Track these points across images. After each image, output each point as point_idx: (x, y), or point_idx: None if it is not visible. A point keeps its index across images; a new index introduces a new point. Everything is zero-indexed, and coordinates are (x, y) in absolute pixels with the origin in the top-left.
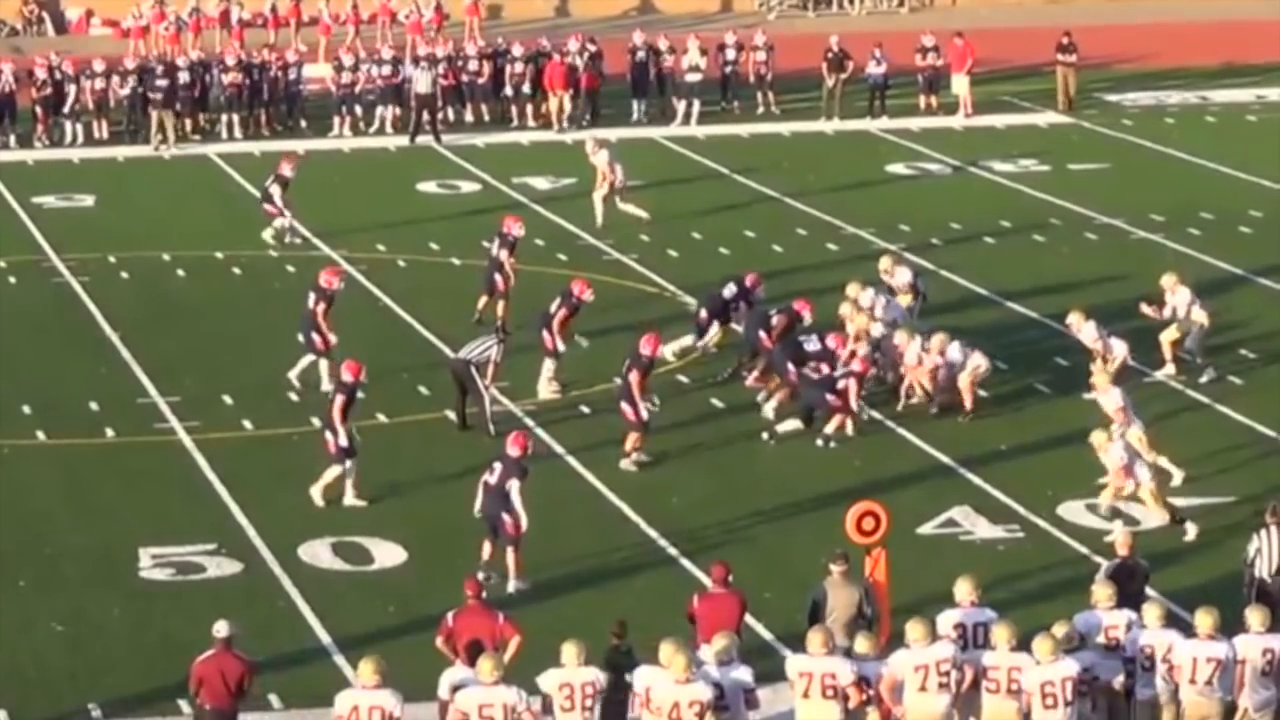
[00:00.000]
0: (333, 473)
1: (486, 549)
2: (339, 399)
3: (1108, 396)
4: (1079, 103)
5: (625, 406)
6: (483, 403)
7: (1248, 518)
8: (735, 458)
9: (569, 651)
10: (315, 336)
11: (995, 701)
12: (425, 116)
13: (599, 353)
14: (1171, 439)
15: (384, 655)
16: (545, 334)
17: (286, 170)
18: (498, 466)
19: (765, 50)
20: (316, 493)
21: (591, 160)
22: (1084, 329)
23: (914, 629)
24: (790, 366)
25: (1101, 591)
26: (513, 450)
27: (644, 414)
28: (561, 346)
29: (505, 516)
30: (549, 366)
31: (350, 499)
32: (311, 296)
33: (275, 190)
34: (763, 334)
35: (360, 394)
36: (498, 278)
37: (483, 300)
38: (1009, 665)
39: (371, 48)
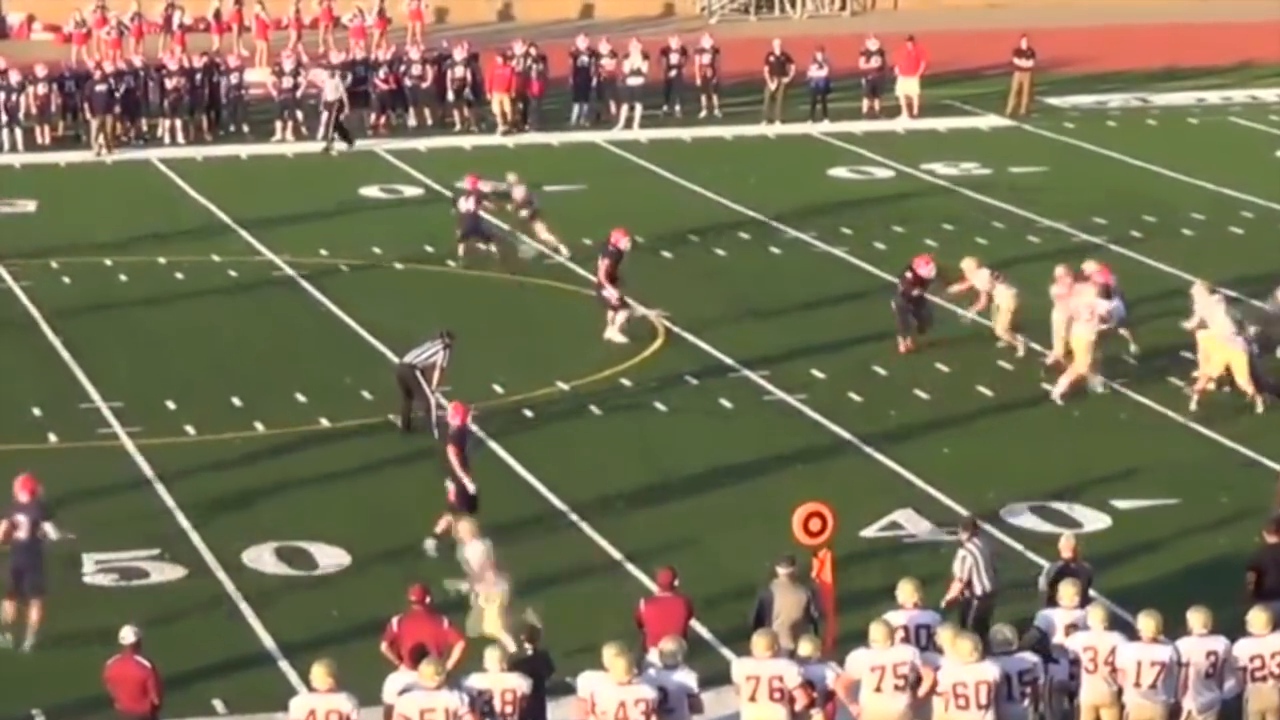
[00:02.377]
0: None
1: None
2: None
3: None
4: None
5: (448, 484)
6: (428, 407)
7: (1190, 520)
8: (681, 461)
9: (491, 657)
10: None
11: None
12: (337, 121)
13: (542, 356)
14: (1113, 441)
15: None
16: (603, 292)
17: None
18: (21, 519)
19: (711, 53)
20: None
21: None
22: (977, 275)
23: (876, 630)
24: None
25: (1066, 590)
26: (22, 495)
27: (470, 488)
28: (612, 293)
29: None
30: (620, 318)
31: None
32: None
33: None
34: None
35: None
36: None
37: (618, 316)
38: None
39: (313, 53)
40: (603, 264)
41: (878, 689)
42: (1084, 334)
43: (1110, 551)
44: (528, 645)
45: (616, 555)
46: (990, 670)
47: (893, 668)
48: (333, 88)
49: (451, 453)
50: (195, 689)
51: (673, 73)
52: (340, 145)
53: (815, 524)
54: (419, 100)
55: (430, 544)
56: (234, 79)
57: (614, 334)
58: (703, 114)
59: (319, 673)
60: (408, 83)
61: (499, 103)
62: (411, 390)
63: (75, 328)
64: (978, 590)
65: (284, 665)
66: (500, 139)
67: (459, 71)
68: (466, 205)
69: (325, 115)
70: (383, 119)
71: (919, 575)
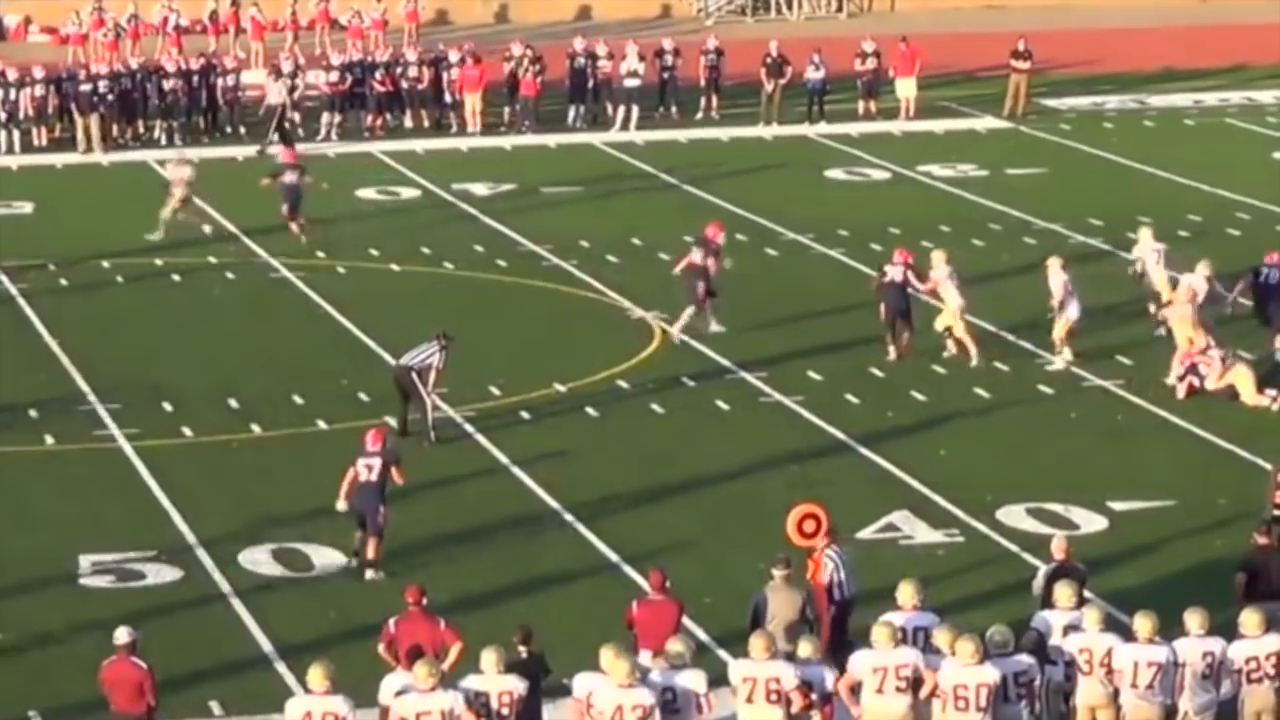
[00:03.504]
0: None
1: None
2: None
3: None
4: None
5: (381, 509)
6: (425, 409)
7: (1187, 522)
8: (677, 463)
9: (488, 659)
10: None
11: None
12: (279, 124)
13: (540, 360)
14: (1110, 443)
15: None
16: (700, 284)
17: None
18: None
19: (715, 55)
20: None
21: None
22: (939, 268)
23: (879, 631)
24: None
25: (1062, 591)
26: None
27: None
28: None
29: None
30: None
31: None
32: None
33: None
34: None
35: None
36: (700, 285)
37: (692, 309)
38: None
39: (311, 54)
40: (698, 254)
41: (879, 690)
42: (1180, 313)
43: (1107, 553)
44: (521, 647)
45: (613, 557)
46: (991, 673)
47: (895, 669)
48: (276, 91)
49: (398, 474)
50: (191, 690)
51: (666, 74)
52: (276, 149)
53: (810, 525)
54: (416, 102)
55: (370, 574)
56: (230, 81)
57: (678, 330)
58: (700, 115)
59: (316, 674)
60: (404, 84)
61: (471, 103)
62: (408, 392)
63: (72, 330)
64: (836, 595)
65: (281, 667)
66: (499, 140)
67: (454, 74)
68: (291, 179)
69: (271, 118)
70: (379, 120)
71: (915, 577)
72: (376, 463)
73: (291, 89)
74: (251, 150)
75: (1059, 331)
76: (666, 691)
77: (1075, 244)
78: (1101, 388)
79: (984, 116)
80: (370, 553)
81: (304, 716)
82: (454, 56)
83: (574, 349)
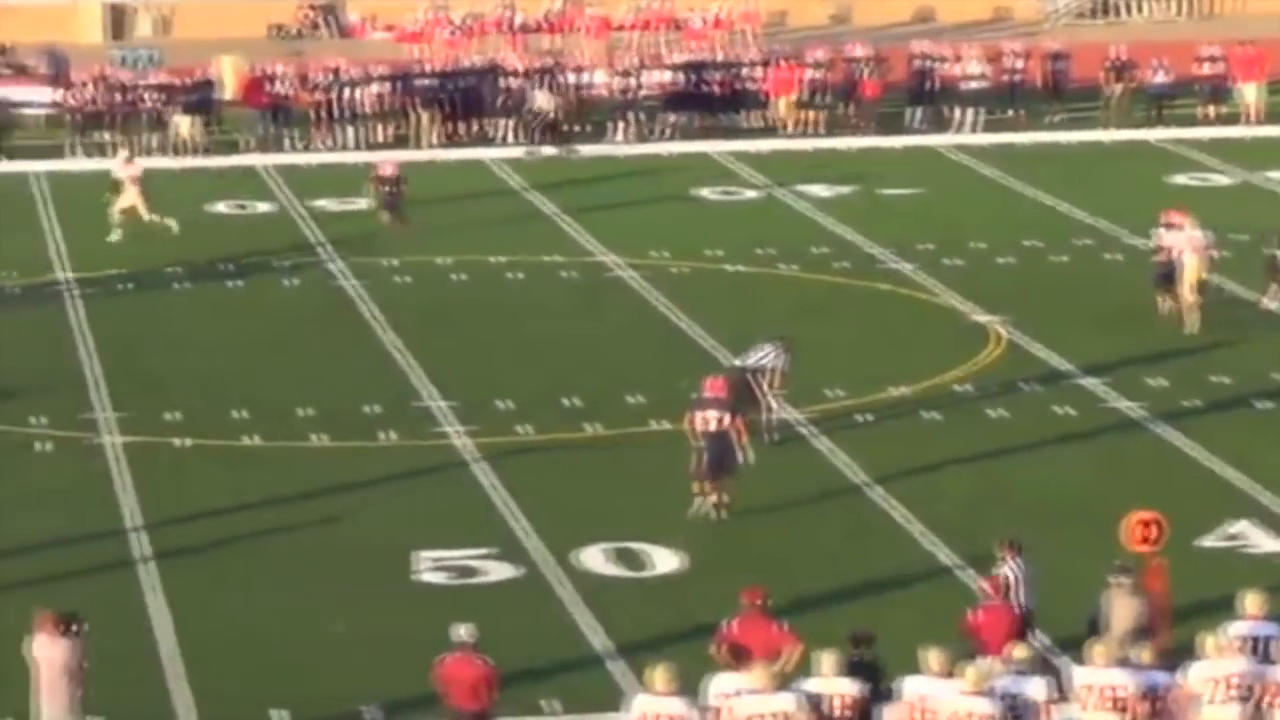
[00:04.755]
0: None
1: None
2: None
3: None
4: None
5: (736, 452)
6: (761, 410)
7: None
8: (1010, 466)
9: (827, 661)
10: None
11: None
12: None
13: (878, 363)
14: None
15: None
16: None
17: None
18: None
19: (1059, 59)
20: None
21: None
22: (1181, 233)
23: (1208, 642)
24: None
25: None
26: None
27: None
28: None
29: None
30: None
31: None
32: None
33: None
34: None
35: None
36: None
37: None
38: None
39: (652, 54)
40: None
41: (1214, 700)
42: None
43: None
44: (859, 650)
45: (950, 561)
46: None
47: (1227, 679)
48: (544, 97)
49: (742, 427)
50: (527, 688)
51: (1015, 77)
52: (548, 150)
53: (1148, 532)
54: (754, 102)
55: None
56: (573, 79)
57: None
58: (1058, 118)
59: (660, 675)
60: (742, 85)
61: (779, 106)
62: (743, 394)
63: (410, 327)
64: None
65: (616, 667)
66: (839, 141)
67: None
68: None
69: (533, 123)
70: (717, 120)
71: (1260, 588)
72: (714, 414)
73: (576, 89)
74: (591, 149)
75: None
76: (1010, 699)
77: None
78: None
79: None
80: (724, 496)
81: (642, 716)
82: (810, 58)
83: (912, 352)
